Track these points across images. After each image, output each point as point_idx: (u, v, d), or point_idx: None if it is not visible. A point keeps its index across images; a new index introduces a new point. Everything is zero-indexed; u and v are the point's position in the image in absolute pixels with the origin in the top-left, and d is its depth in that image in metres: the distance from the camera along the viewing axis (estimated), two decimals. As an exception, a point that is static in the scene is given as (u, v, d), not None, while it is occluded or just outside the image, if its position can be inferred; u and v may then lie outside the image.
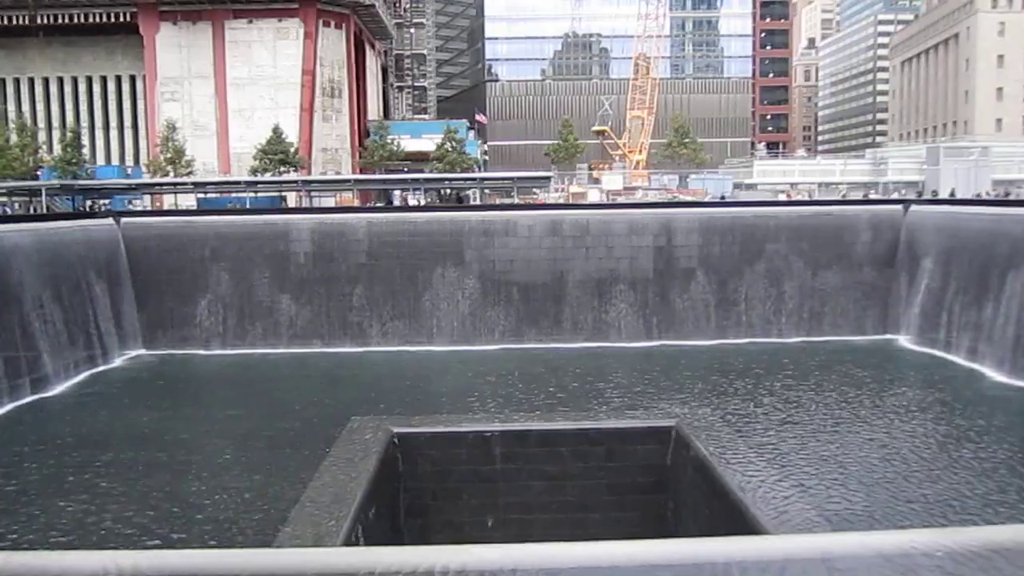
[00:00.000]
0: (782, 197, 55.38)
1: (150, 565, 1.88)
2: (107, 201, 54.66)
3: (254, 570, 1.88)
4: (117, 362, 28.81)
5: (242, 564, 1.87)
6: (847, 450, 18.51)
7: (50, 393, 24.35)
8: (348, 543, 6.92)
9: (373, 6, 78.48)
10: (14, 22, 74.02)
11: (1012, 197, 47.44)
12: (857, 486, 16.02)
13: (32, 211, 52.24)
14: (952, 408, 22.02)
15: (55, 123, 79.39)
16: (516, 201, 48.26)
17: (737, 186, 74.15)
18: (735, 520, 7.93)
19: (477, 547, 1.95)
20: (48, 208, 51.13)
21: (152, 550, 1.88)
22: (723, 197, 58.16)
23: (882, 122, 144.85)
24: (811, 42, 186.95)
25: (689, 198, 56.88)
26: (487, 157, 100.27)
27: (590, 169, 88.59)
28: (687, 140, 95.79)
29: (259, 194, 56.38)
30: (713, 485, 8.89)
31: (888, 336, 31.37)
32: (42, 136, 76.51)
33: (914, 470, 17.09)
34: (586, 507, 10.44)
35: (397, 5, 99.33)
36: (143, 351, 30.35)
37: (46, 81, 79.43)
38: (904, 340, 30.71)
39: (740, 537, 1.95)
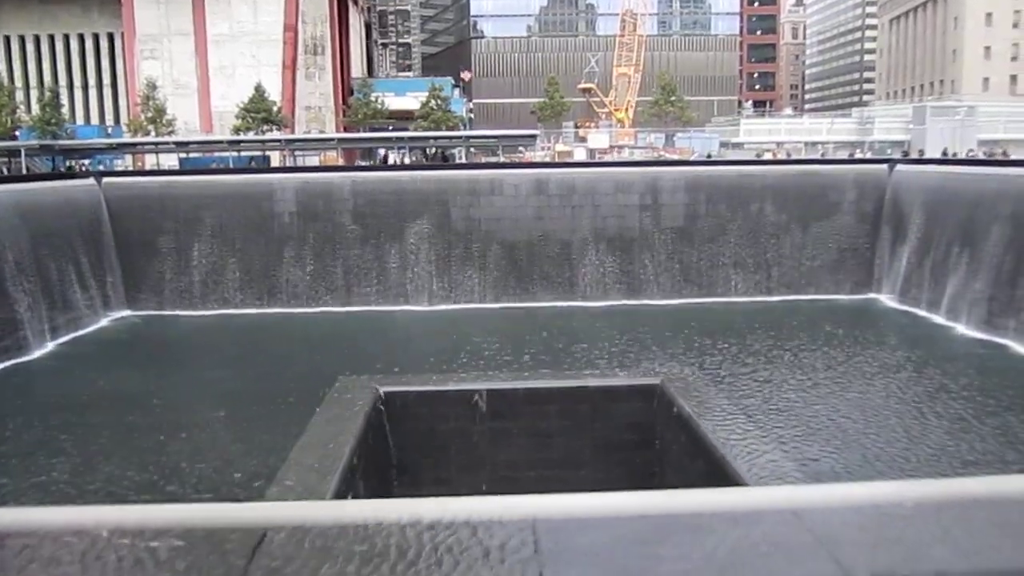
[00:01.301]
0: (767, 156, 55.27)
1: (137, 519, 1.92)
2: (88, 161, 53.97)
3: (242, 523, 1.92)
4: (101, 323, 28.70)
5: (230, 517, 1.91)
6: (827, 406, 18.78)
7: (32, 356, 24.24)
8: (337, 499, 7.01)
9: (356, -39, 77.14)
10: (-12, -22, 72.37)
11: (996, 156, 47.55)
12: (837, 441, 16.29)
13: (5, 171, 51.51)
14: (931, 365, 22.31)
15: (32, 83, 77.97)
16: (501, 159, 48.01)
17: (724, 145, 73.92)
18: (717, 475, 8.07)
19: (457, 499, 2.00)
20: (28, 169, 50.44)
21: (139, 504, 1.92)
22: (709, 156, 58.03)
23: (869, 81, 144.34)
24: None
25: (675, 157, 56.71)
26: (472, 115, 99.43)
27: (576, 127, 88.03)
28: (674, 98, 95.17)
29: (242, 153, 55.79)
30: (696, 441, 9.03)
31: (871, 295, 31.64)
32: (20, 96, 75.14)
33: (892, 425, 17.38)
34: (572, 463, 10.58)
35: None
36: (127, 312, 30.23)
37: (22, 40, 77.88)
38: (887, 299, 30.99)
39: (715, 489, 2.01)
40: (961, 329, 25.97)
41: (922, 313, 28.46)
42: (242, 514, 1.98)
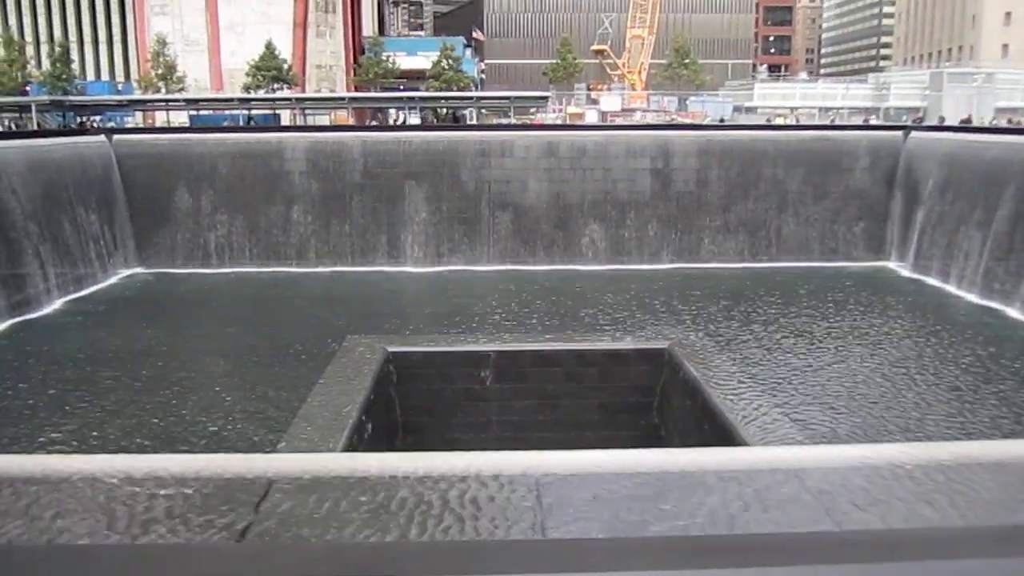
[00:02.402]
0: (779, 121, 54.74)
1: (147, 468, 1.96)
2: (99, 118, 53.86)
3: (250, 473, 1.96)
4: (112, 280, 28.86)
5: (239, 467, 1.95)
6: (836, 373, 18.81)
7: (43, 312, 24.39)
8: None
9: (368, -83, 76.04)
10: (-3, -70, 71.65)
11: (1013, 125, 46.92)
12: (845, 407, 16.35)
13: (15, 127, 51.47)
14: (941, 334, 22.26)
15: (43, 38, 77.55)
16: (513, 121, 47.71)
17: (737, 109, 73.16)
18: (723, 440, 8.12)
19: (463, 454, 2.03)
20: (39, 125, 50.40)
21: (148, 454, 1.96)
22: (722, 120, 57.49)
23: (887, 46, 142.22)
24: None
25: (688, 120, 56.23)
26: (484, 76, 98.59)
27: (588, 89, 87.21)
28: (687, 61, 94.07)
29: (253, 111, 55.56)
30: (703, 406, 9.07)
31: (883, 263, 31.50)
32: (30, 51, 74.80)
33: (901, 393, 17.41)
34: (579, 426, 10.65)
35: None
36: (139, 269, 30.38)
37: (32, -7, 77.38)
38: (899, 267, 30.86)
39: (717, 448, 2.04)
40: (973, 298, 25.87)
41: (934, 282, 28.34)
42: (250, 464, 2.01)
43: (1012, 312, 24.07)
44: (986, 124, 45.23)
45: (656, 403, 10.72)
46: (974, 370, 18.96)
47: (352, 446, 7.70)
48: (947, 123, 43.00)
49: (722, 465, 1.96)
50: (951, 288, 27.22)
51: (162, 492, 1.90)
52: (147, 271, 30.31)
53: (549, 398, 10.49)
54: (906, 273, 30.13)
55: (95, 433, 15.03)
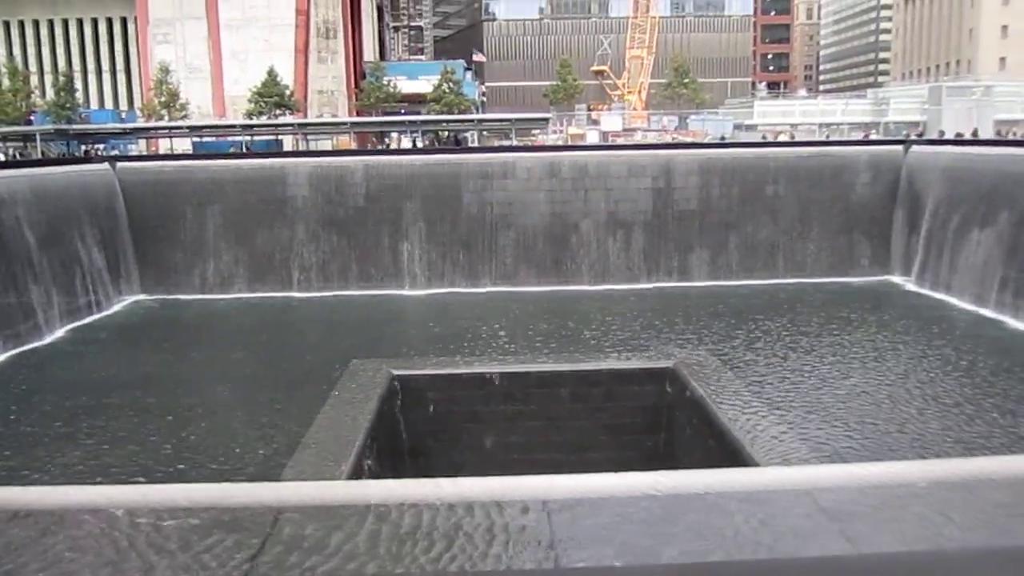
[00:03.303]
0: (783, 138, 54.84)
1: (153, 499, 1.94)
2: (102, 146, 54.19)
3: (257, 503, 1.94)
4: (116, 307, 28.89)
5: (245, 496, 1.93)
6: (844, 390, 18.70)
7: (46, 340, 24.37)
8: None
9: (367, -57, 76.78)
10: (2, -36, 72.48)
11: (1013, 137, 46.96)
12: (853, 425, 16.24)
13: (19, 156, 51.76)
14: (948, 348, 22.15)
15: (47, 67, 78.25)
16: (514, 143, 47.89)
17: (738, 127, 73.40)
18: (731, 458, 8.05)
19: (469, 479, 2.01)
20: (43, 153, 50.70)
21: (155, 484, 1.94)
22: (723, 138, 57.65)
23: (885, 61, 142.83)
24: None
25: (689, 139, 56.39)
26: (485, 98, 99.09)
27: (589, 110, 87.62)
28: (687, 80, 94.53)
29: (255, 138, 55.85)
30: (710, 424, 9.01)
31: (887, 277, 31.45)
32: (34, 81, 75.44)
33: (910, 409, 17.31)
34: (584, 447, 10.59)
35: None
36: (142, 296, 30.42)
37: (37, 24, 78.09)
38: (903, 281, 30.79)
39: (729, 469, 2.01)
40: (979, 310, 25.77)
41: (938, 295, 28.26)
42: (257, 493, 2.00)
43: (1019, 324, 23.96)
44: (992, 136, 45.19)
45: (663, 422, 10.67)
46: (984, 384, 18.86)
47: (358, 471, 7.66)
48: (947, 136, 43.06)
49: (734, 487, 1.94)
50: (956, 301, 27.14)
51: (169, 523, 1.89)
52: (151, 298, 30.34)
53: (555, 419, 10.45)
54: (911, 287, 30.07)
55: (100, 462, 14.98)
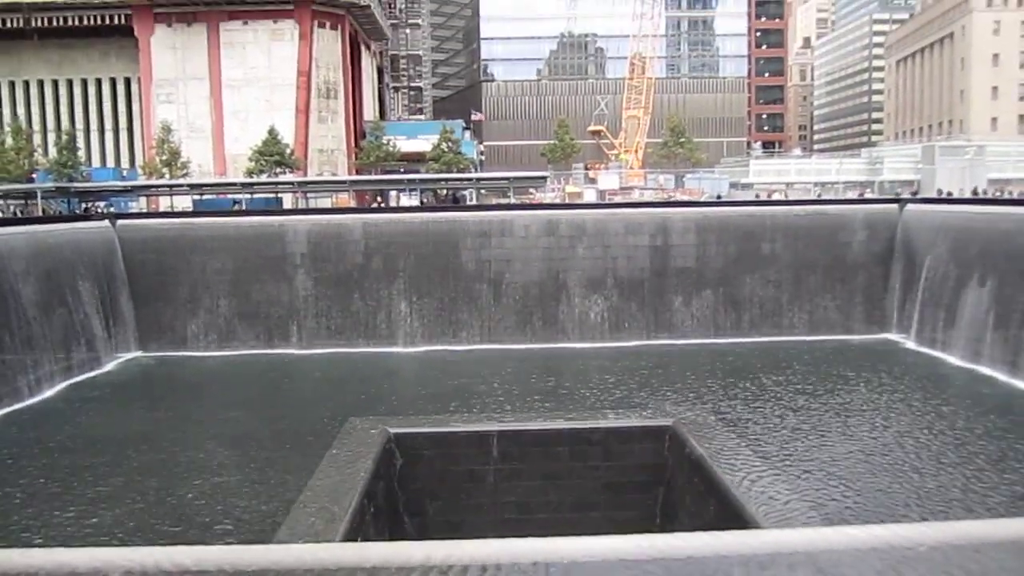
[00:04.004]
0: (776, 196, 55.40)
1: (145, 562, 1.91)
2: (103, 203, 54.60)
3: (251, 566, 1.91)
4: (113, 365, 28.77)
5: (239, 560, 1.90)
6: (844, 450, 18.55)
7: (43, 396, 24.23)
8: (346, 541, 6.95)
9: (368, 7, 78.42)
10: (9, 25, 73.74)
11: (1008, 196, 47.47)
12: (854, 485, 16.07)
13: (20, 214, 52.11)
14: (949, 408, 22.05)
15: (50, 126, 79.22)
16: (512, 201, 48.29)
17: (733, 186, 74.20)
18: (731, 518, 7.96)
19: (468, 541, 1.98)
20: (44, 211, 51.07)
21: (147, 546, 1.91)
22: (719, 197, 58.21)
23: (878, 121, 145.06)
24: (806, 41, 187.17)
25: (685, 198, 56.91)
26: (483, 157, 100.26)
27: (586, 169, 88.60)
28: (683, 140, 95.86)
29: (255, 195, 56.32)
30: (709, 484, 8.92)
31: (885, 335, 31.43)
32: (37, 139, 76.32)
33: (910, 470, 17.15)
34: (583, 506, 10.46)
35: (392, 6, 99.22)
36: (140, 353, 30.32)
37: (41, 84, 79.26)
38: (901, 339, 30.77)
39: (727, 532, 1.99)
40: (977, 370, 25.71)
41: (937, 353, 28.21)
42: (251, 557, 1.96)
43: (1018, 382, 23.88)
44: (989, 194, 45.69)
45: (662, 480, 10.56)
46: (984, 442, 18.72)
47: (354, 531, 7.55)
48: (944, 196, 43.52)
49: (735, 549, 1.92)
50: (954, 360, 27.08)
51: (160, 587, 1.85)
52: (148, 355, 30.25)
53: (553, 477, 10.34)
54: (909, 345, 30.04)
55: (93, 521, 14.77)
